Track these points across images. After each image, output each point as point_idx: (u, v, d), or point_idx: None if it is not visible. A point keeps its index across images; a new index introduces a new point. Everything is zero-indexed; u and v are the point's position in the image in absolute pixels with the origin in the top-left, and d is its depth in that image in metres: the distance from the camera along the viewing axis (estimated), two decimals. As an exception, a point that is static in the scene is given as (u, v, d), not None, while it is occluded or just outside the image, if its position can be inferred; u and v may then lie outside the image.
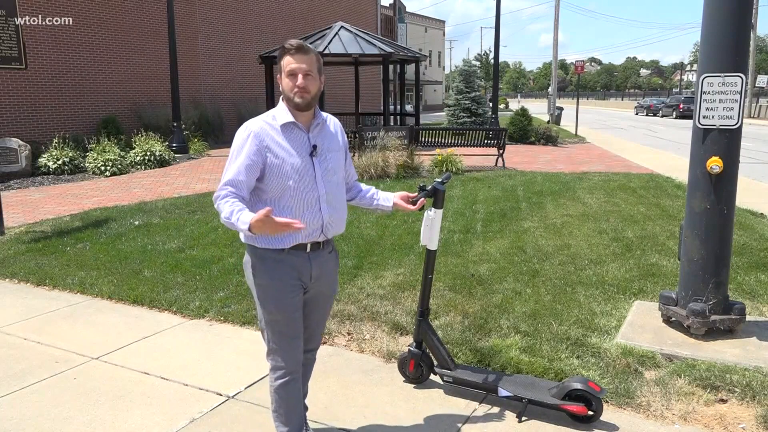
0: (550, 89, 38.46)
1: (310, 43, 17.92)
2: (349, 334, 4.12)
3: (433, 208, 3.10)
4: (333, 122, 2.62)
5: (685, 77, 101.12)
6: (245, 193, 2.37)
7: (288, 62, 2.37)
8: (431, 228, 3.11)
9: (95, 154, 13.10)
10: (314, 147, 2.45)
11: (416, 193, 2.87)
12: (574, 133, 23.63)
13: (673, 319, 4.02)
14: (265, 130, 2.40)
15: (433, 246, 3.17)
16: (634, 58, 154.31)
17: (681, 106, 41.11)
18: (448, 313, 4.37)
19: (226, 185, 2.35)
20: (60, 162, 12.65)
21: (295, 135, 2.44)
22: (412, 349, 3.39)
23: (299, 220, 2.29)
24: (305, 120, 2.46)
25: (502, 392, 3.12)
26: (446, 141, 14.21)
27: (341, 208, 2.57)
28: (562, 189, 9.95)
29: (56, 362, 3.77)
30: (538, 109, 40.56)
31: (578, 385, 2.97)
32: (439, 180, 3.13)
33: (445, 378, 3.30)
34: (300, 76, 2.36)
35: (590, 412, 2.97)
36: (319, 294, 2.61)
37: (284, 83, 2.40)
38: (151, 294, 4.92)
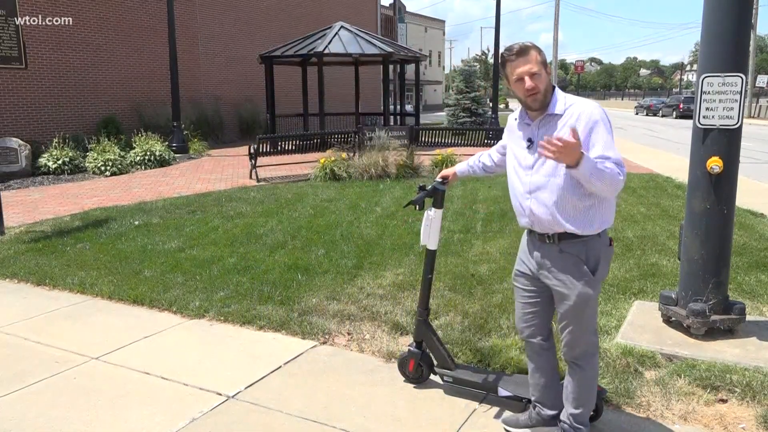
0: (550, 89, 38.41)
1: (310, 43, 18.04)
2: (349, 334, 4.12)
3: (433, 208, 3.10)
4: (572, 115, 2.44)
5: (685, 77, 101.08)
6: None
7: (513, 69, 2.43)
8: (431, 228, 3.11)
9: (95, 154, 13.10)
10: (530, 141, 2.54)
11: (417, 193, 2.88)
12: (574, 133, 23.57)
13: (673, 319, 4.02)
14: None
15: (433, 246, 3.17)
16: (634, 58, 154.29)
17: (681, 106, 41.05)
18: (448, 313, 4.37)
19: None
20: (60, 162, 12.65)
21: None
22: (412, 349, 3.39)
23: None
24: (534, 116, 2.54)
25: (502, 392, 3.12)
26: (446, 141, 14.24)
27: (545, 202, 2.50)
28: (562, 189, 9.92)
29: (56, 362, 3.77)
30: (538, 109, 40.45)
31: (578, 385, 2.96)
32: (439, 180, 3.13)
33: (445, 378, 3.30)
34: (527, 79, 2.40)
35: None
36: None
37: (516, 89, 2.46)
38: (151, 294, 4.92)
